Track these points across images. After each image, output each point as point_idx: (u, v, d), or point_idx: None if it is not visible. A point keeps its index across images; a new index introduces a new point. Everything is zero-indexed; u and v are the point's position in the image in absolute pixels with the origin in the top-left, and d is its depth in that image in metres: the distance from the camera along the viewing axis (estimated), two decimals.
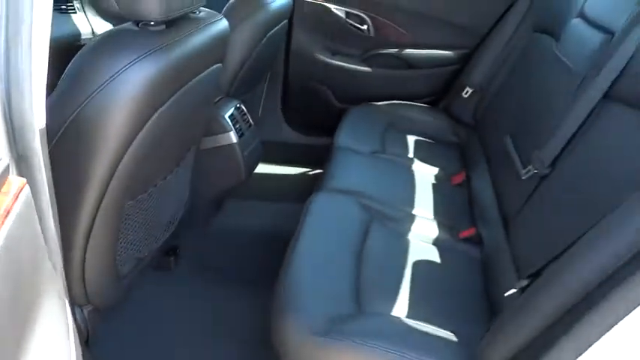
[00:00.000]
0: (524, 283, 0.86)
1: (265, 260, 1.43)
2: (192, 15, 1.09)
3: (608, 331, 0.65)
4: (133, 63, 0.89)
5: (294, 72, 2.26)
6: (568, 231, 0.89)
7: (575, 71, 1.26)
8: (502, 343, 0.80)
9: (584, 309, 0.67)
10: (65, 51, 1.02)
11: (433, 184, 1.63)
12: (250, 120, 1.67)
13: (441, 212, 1.47)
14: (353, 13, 2.14)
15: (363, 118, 2.02)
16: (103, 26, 2.34)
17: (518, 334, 0.78)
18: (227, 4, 1.63)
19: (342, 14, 2.14)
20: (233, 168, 1.57)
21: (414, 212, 1.44)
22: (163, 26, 0.97)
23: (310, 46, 2.21)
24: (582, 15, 1.40)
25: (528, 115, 1.49)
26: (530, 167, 1.24)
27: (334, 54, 2.22)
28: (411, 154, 1.80)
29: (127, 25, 0.96)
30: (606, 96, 1.08)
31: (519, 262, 1.17)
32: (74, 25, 1.89)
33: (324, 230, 1.30)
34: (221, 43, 1.16)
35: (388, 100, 2.16)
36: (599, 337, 0.66)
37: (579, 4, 1.45)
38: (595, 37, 1.25)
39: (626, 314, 0.63)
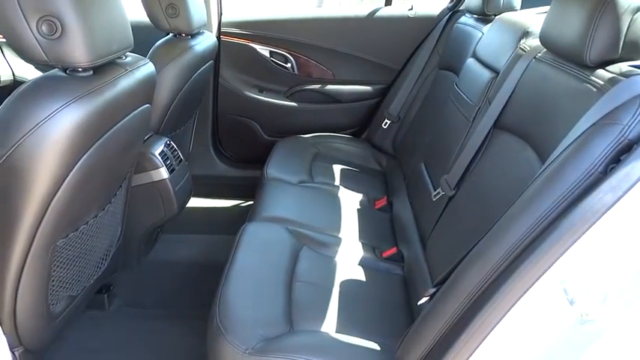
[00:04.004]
0: (432, 291, 0.98)
1: (200, 290, 1.47)
2: (118, 60, 1.15)
3: (493, 330, 0.76)
4: (61, 108, 0.94)
5: (222, 108, 2.35)
6: (469, 243, 1.01)
7: (471, 104, 1.44)
8: (414, 346, 0.91)
9: (474, 310, 0.79)
10: None
11: (358, 209, 1.75)
12: (181, 156, 1.73)
13: (366, 234, 1.59)
14: (277, 52, 2.27)
15: (291, 150, 2.13)
16: (23, 68, 2.33)
17: (426, 337, 0.89)
18: (152, 48, 1.70)
19: (266, 53, 2.27)
20: (165, 203, 1.61)
21: (340, 236, 1.55)
22: (91, 72, 1.02)
23: (237, 83, 2.31)
24: (475, 55, 1.61)
25: (437, 143, 1.66)
26: (439, 190, 1.39)
27: (261, 90, 2.34)
28: (337, 182, 1.92)
29: (55, 71, 1.00)
30: (496, 125, 1.25)
31: (434, 275, 1.30)
32: None
33: (255, 257, 1.37)
34: (148, 85, 1.22)
35: (314, 133, 2.29)
36: (488, 336, 0.77)
37: (473, 45, 1.66)
38: (484, 75, 1.44)
39: (505, 316, 0.75)
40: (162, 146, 1.64)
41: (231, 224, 1.80)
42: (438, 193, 1.39)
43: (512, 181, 1.13)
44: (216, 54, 2.18)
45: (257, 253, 1.39)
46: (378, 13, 2.25)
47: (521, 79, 1.22)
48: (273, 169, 1.90)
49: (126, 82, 1.11)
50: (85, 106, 0.97)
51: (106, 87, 1.04)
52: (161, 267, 1.80)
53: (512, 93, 1.23)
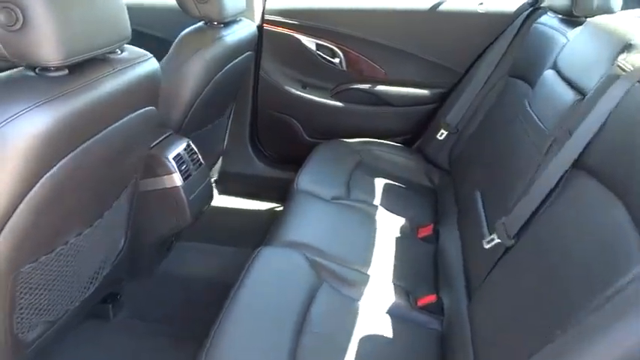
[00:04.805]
0: None
1: (211, 310, 1.30)
2: (111, 56, 0.97)
3: None
4: (21, 113, 0.76)
5: (262, 103, 2.16)
6: (526, 314, 0.80)
7: (544, 131, 1.15)
8: None
9: None
10: None
11: (397, 238, 1.50)
12: (200, 159, 1.54)
13: (401, 273, 1.34)
14: (324, 46, 2.04)
15: (331, 156, 1.90)
16: None
17: None
18: (178, 37, 1.52)
19: (313, 46, 2.04)
20: (177, 212, 1.44)
21: (369, 272, 1.31)
22: (65, 71, 0.84)
23: (279, 77, 2.11)
24: (555, 67, 1.30)
25: (498, 171, 1.37)
26: (494, 235, 1.11)
27: (304, 86, 2.12)
28: (376, 201, 1.67)
29: (21, 70, 0.83)
30: (575, 165, 0.96)
31: (476, 340, 1.04)
32: None
33: (264, 291, 1.17)
34: (148, 85, 1.03)
35: (360, 137, 2.05)
36: None
37: (554, 54, 1.35)
38: (566, 95, 1.14)
39: None
40: (180, 149, 1.46)
41: (257, 234, 1.61)
42: (493, 239, 1.12)
43: (592, 243, 0.85)
44: (258, 44, 1.98)
45: (267, 285, 1.19)
46: (442, 7, 1.95)
47: (617, 108, 0.92)
48: (306, 179, 1.68)
49: (114, 82, 0.92)
50: (53, 111, 0.80)
51: (83, 89, 0.86)
52: (173, 279, 1.64)
53: (602, 125, 0.93)
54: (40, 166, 0.81)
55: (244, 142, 2.21)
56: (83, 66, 0.87)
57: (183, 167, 1.43)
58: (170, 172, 1.39)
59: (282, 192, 2.20)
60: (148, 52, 1.08)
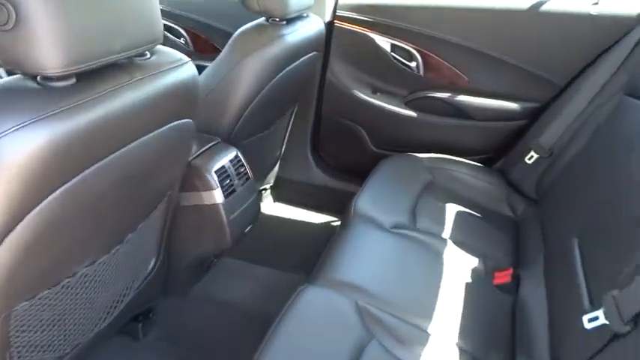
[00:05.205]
0: None
1: (248, 342, 1.14)
2: (138, 60, 0.81)
3: None
4: (12, 131, 0.62)
5: (327, 108, 1.96)
6: None
7: None
8: None
9: None
10: None
11: (467, 284, 1.26)
12: (248, 172, 1.38)
13: (469, 332, 1.10)
14: (400, 47, 1.80)
15: (398, 173, 1.68)
16: None
17: None
18: (234, 35, 1.36)
19: (387, 47, 1.81)
20: (215, 233, 1.28)
21: (429, 329, 1.08)
22: (73, 80, 0.70)
23: (348, 80, 1.90)
24: None
25: (608, 216, 1.09)
26: (600, 313, 0.85)
27: (375, 92, 1.90)
28: (446, 232, 1.43)
29: (18, 77, 0.69)
30: None
31: None
32: None
33: (306, 335, 1.00)
34: (177, 96, 0.87)
35: (433, 152, 1.80)
36: None
37: None
38: None
39: None
40: (225, 160, 1.30)
41: (308, 253, 1.44)
42: (597, 317, 0.85)
43: None
44: (326, 43, 1.78)
45: (309, 332, 1.01)
46: (544, 7, 1.64)
47: None
48: (366, 200, 1.47)
49: (132, 94, 0.76)
50: (49, 129, 0.65)
51: (90, 103, 0.70)
52: (210, 301, 1.49)
53: None
54: (34, 192, 0.67)
55: (304, 149, 2.03)
56: (94, 74, 0.72)
57: (226, 182, 1.27)
58: (210, 188, 1.24)
59: (341, 204, 2.02)
60: (183, 56, 0.91)
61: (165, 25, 2.12)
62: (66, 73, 0.66)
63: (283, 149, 1.98)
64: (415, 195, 1.56)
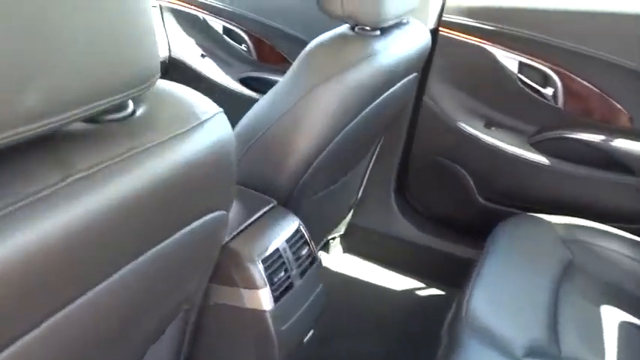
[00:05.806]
0: None
1: None
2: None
3: None
4: None
5: (421, 143, 1.52)
6: None
7: None
8: None
9: None
10: None
11: None
12: (313, 251, 0.94)
13: None
14: (531, 66, 1.30)
15: (525, 246, 1.19)
16: (181, 46, 1.83)
17: None
18: (303, 51, 0.92)
19: (513, 65, 1.32)
20: (259, 346, 0.86)
21: None
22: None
23: (452, 108, 1.43)
24: None
25: None
26: None
27: (489, 126, 1.42)
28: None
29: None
30: None
31: None
32: None
33: None
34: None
35: (566, 214, 1.29)
36: None
37: None
38: None
39: None
40: (280, 240, 0.88)
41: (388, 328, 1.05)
42: None
43: None
44: (428, 58, 1.31)
45: None
46: None
47: None
48: (481, 299, 1.00)
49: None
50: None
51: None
52: None
53: None
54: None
55: (387, 192, 1.59)
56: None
57: (279, 275, 0.84)
58: (255, 287, 0.81)
59: (431, 266, 1.59)
60: (214, 106, 0.50)
61: (224, 27, 1.76)
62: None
63: (360, 193, 1.54)
64: (551, 288, 1.07)
